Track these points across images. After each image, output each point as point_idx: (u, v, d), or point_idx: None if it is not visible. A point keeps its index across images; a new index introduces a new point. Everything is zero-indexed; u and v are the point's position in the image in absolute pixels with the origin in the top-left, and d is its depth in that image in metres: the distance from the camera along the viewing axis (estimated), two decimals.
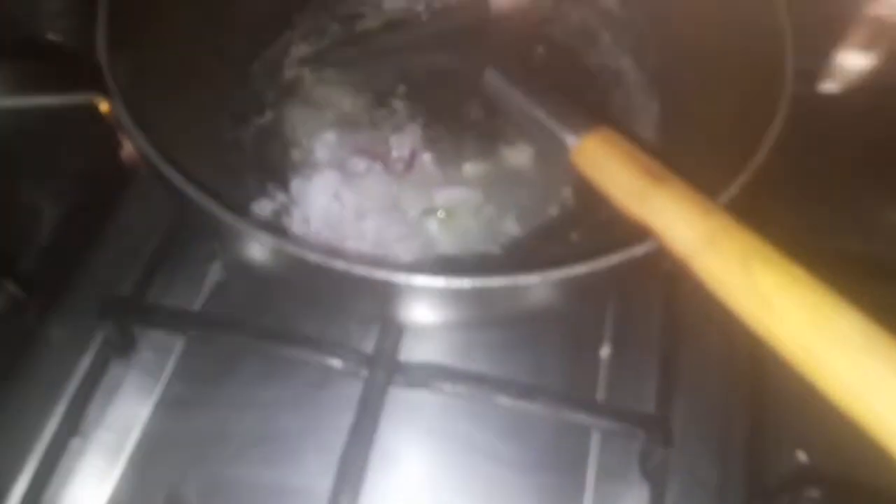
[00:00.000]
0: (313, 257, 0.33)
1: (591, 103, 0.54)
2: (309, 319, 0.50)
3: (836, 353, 0.26)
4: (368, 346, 0.48)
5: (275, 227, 0.47)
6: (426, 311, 0.42)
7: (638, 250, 0.34)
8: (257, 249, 0.37)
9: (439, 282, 0.33)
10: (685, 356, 0.51)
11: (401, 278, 0.33)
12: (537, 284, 0.33)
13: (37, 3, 0.63)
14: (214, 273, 0.53)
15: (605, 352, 0.52)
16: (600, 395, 0.49)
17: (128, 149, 0.37)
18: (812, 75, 0.64)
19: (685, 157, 0.48)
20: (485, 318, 0.47)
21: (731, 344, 0.51)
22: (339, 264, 0.33)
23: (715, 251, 0.30)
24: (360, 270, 0.33)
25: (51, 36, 0.65)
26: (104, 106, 0.37)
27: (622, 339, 0.52)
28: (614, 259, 0.34)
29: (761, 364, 0.49)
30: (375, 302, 0.40)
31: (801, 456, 0.47)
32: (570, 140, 0.38)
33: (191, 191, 0.35)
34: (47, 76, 0.36)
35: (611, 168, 0.35)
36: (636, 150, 0.36)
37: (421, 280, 0.34)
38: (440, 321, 0.47)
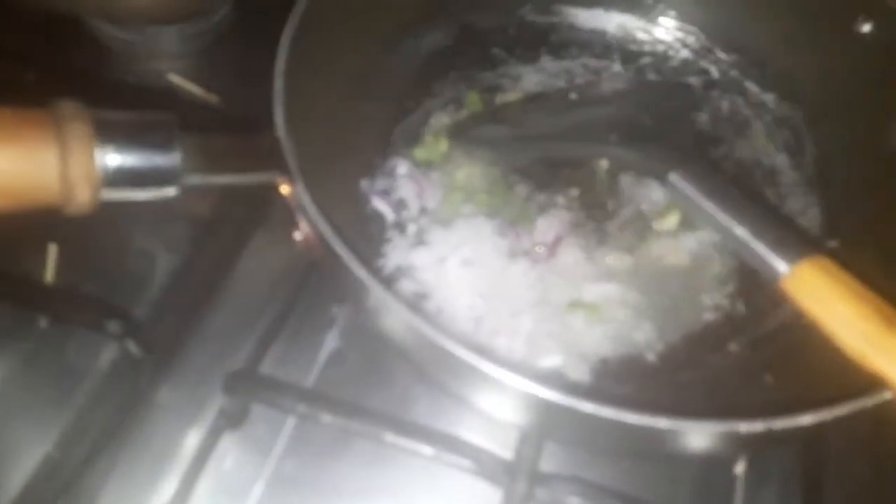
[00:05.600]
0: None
1: None
2: (425, 399, 0.46)
3: None
4: (496, 442, 0.44)
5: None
6: (581, 436, 0.39)
7: (868, 401, 0.31)
8: (413, 342, 0.34)
9: (631, 417, 0.30)
10: (829, 478, 0.46)
11: (584, 407, 0.30)
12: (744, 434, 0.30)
13: (156, 44, 0.65)
14: (330, 342, 0.50)
15: (739, 469, 0.48)
16: None
17: (304, 230, 0.35)
18: None
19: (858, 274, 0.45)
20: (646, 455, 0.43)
21: (882, 470, 0.47)
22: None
23: None
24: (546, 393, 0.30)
25: (172, 77, 0.65)
26: (284, 188, 0.35)
27: (760, 455, 0.47)
28: (843, 409, 0.30)
29: None
30: (523, 415, 0.37)
31: None
32: (782, 266, 0.34)
33: (373, 286, 0.33)
34: (228, 153, 0.34)
35: (834, 304, 0.32)
36: (859, 284, 0.33)
37: (611, 413, 0.30)
38: (594, 448, 0.43)
